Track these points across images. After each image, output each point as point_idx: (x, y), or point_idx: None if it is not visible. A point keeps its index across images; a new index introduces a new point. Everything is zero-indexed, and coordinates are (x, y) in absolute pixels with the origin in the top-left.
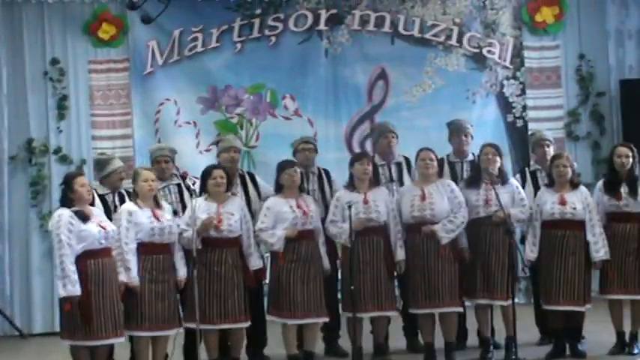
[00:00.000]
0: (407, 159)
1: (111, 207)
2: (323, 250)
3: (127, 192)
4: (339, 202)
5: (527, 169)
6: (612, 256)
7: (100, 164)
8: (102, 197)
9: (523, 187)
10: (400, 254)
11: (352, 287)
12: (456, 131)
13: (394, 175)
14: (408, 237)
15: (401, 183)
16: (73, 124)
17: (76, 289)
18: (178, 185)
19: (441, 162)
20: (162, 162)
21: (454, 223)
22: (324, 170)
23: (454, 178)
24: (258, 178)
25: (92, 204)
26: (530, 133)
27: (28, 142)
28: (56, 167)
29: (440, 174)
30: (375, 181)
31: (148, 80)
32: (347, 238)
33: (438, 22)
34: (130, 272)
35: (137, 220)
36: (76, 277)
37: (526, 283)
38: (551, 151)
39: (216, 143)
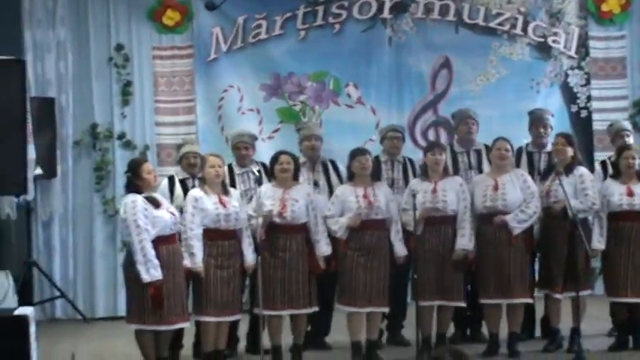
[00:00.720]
0: (487, 146)
1: None
2: (397, 237)
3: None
4: (410, 190)
5: (607, 160)
6: None
7: (177, 149)
8: (182, 182)
9: (604, 177)
10: (460, 243)
11: (415, 276)
12: (535, 122)
13: (473, 163)
14: (480, 227)
15: (480, 170)
16: (137, 110)
17: (159, 273)
18: (258, 172)
19: (519, 151)
20: (242, 149)
21: (526, 214)
22: (409, 159)
23: (531, 169)
24: (340, 165)
25: None
26: (609, 124)
27: (92, 128)
28: (120, 153)
29: (517, 164)
30: (454, 169)
31: (212, 67)
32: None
33: (503, 11)
34: (194, 257)
35: (203, 206)
36: (157, 261)
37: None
38: (630, 140)
39: (298, 131)
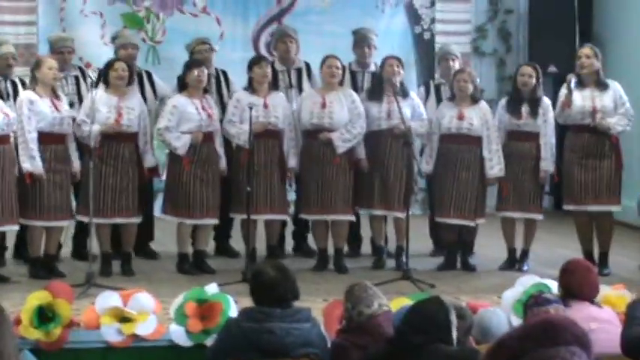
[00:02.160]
0: (307, 65)
1: (3, 94)
2: (221, 151)
3: (22, 80)
4: (238, 103)
5: (431, 81)
6: (508, 173)
7: None
8: None
9: (426, 99)
10: (292, 162)
11: (249, 189)
12: (360, 41)
13: (294, 81)
14: (305, 143)
15: (300, 89)
16: None
17: None
18: (76, 77)
19: (342, 70)
20: (66, 52)
21: (351, 133)
22: (222, 71)
23: (355, 88)
24: (155, 77)
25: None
26: (438, 46)
27: None
28: None
29: (340, 82)
30: (274, 86)
31: None
32: (245, 139)
33: None
34: (34, 160)
35: (38, 109)
36: None
37: (423, 195)
38: (455, 65)
39: (113, 40)
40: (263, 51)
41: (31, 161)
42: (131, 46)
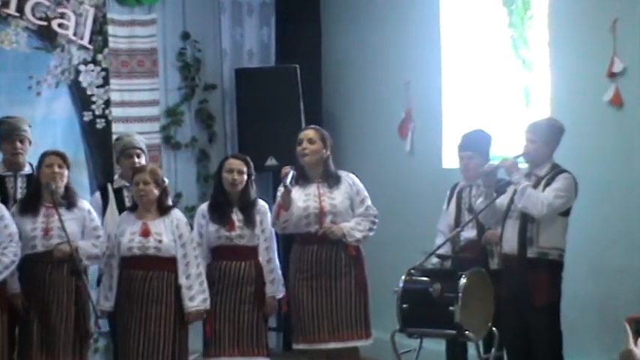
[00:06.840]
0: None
1: None
2: None
3: None
4: None
5: (110, 185)
6: (218, 305)
7: None
8: None
9: (104, 210)
10: None
11: None
12: (8, 134)
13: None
14: None
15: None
16: None
17: None
18: None
19: None
20: None
21: (2, 263)
22: None
23: (4, 198)
24: None
25: None
26: (115, 137)
27: None
28: None
29: None
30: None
31: None
32: None
33: None
34: None
35: None
36: None
37: (107, 341)
38: (142, 161)
39: None
40: None
41: None
42: None
